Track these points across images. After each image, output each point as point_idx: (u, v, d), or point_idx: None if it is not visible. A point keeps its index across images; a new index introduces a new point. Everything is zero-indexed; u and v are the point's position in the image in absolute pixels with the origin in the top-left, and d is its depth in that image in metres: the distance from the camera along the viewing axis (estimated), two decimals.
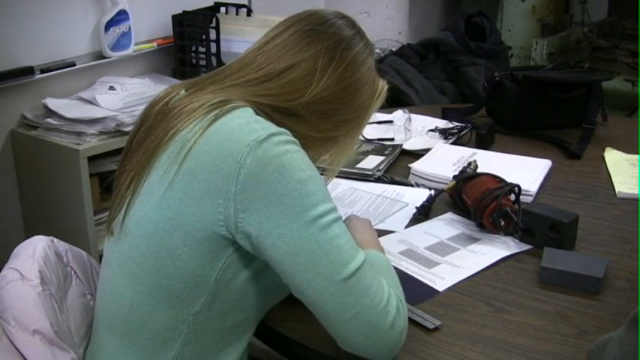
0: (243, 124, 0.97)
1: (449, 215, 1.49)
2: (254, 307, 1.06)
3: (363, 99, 1.12)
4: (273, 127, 0.98)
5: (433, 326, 1.11)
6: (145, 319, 1.02)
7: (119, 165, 1.09)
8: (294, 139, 0.99)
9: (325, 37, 1.08)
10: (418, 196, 1.56)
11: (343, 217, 1.37)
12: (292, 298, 1.11)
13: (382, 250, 1.14)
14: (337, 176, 1.67)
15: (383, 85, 1.17)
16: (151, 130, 1.04)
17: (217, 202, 0.95)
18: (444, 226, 1.45)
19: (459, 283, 1.24)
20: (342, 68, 1.08)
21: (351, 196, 1.58)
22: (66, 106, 2.15)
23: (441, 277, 1.25)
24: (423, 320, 1.12)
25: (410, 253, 1.33)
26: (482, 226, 1.41)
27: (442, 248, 1.36)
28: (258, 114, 1.02)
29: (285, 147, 0.96)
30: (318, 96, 1.06)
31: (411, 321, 1.12)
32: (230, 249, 0.98)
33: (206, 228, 0.96)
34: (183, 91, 1.09)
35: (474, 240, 1.39)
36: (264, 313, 1.10)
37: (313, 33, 1.08)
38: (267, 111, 1.03)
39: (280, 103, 1.05)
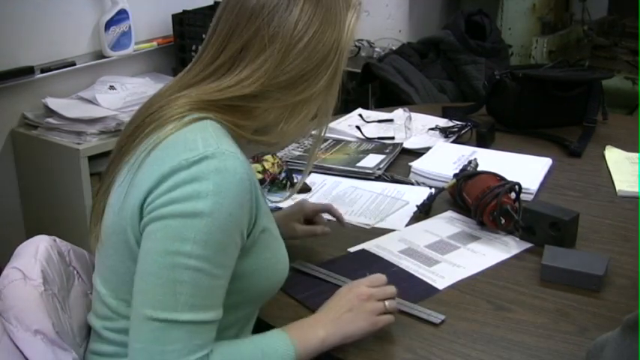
0: (190, 140, 0.95)
1: (449, 213, 1.49)
2: (244, 304, 1.04)
3: (327, 49, 1.02)
4: (213, 148, 0.94)
5: (439, 320, 1.11)
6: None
7: (105, 170, 1.10)
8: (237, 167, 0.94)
9: (258, 9, 1.00)
10: (419, 194, 1.56)
11: (343, 214, 1.37)
12: (292, 298, 1.11)
13: (324, 340, 1.01)
14: (337, 175, 1.67)
15: (351, 18, 1.04)
16: (129, 139, 1.06)
17: (138, 212, 0.96)
18: (445, 224, 1.45)
19: (458, 282, 1.24)
20: (289, 36, 1.00)
21: (351, 195, 1.58)
22: (66, 106, 2.15)
23: (441, 276, 1.25)
24: (427, 316, 1.12)
25: (410, 252, 1.33)
26: (482, 225, 1.41)
27: (442, 246, 1.36)
28: (223, 126, 0.99)
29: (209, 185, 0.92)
30: (278, 70, 1.00)
31: (415, 318, 1.12)
32: None
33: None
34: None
35: (475, 238, 1.39)
36: (257, 309, 1.08)
37: (246, 10, 1.00)
38: (238, 118, 1.01)
39: (244, 91, 1.00)
